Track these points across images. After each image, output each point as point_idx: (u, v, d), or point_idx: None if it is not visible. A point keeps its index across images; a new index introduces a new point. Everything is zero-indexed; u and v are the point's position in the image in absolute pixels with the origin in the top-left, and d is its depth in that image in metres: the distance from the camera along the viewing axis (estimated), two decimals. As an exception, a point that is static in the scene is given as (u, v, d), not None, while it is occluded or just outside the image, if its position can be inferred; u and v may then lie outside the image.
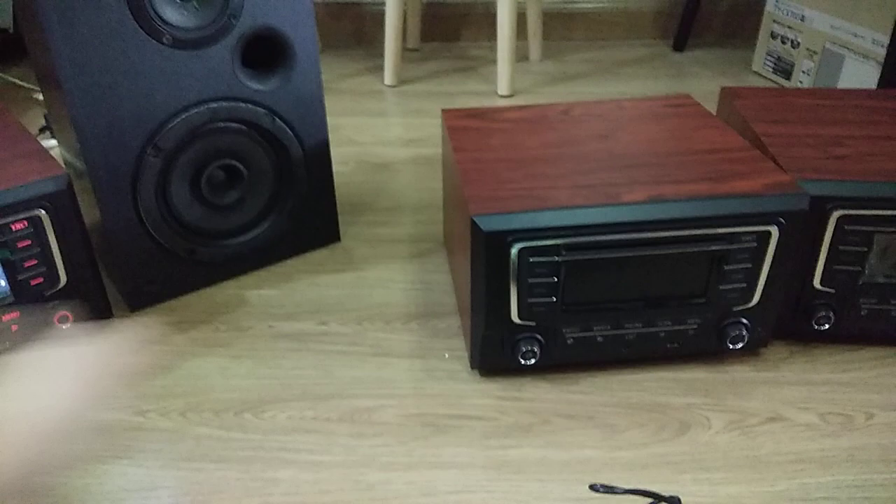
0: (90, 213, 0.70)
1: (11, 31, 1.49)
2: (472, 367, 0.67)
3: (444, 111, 0.79)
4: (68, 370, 0.64)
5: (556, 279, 0.59)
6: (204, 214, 0.75)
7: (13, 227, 0.63)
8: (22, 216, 0.63)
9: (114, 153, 0.67)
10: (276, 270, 0.83)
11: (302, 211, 0.82)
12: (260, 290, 0.80)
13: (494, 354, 0.64)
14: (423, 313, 0.75)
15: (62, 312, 0.67)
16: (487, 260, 0.58)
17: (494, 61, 1.56)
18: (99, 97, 0.64)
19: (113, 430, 0.61)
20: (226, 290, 0.80)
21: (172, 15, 0.66)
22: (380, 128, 1.23)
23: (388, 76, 1.41)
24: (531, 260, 0.58)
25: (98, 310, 0.71)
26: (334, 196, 0.85)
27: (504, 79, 1.34)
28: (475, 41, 1.71)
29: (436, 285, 0.80)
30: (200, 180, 0.73)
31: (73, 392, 0.62)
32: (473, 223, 0.57)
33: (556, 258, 0.58)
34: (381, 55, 1.47)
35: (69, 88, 0.62)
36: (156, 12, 0.64)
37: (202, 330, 0.73)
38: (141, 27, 0.64)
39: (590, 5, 1.69)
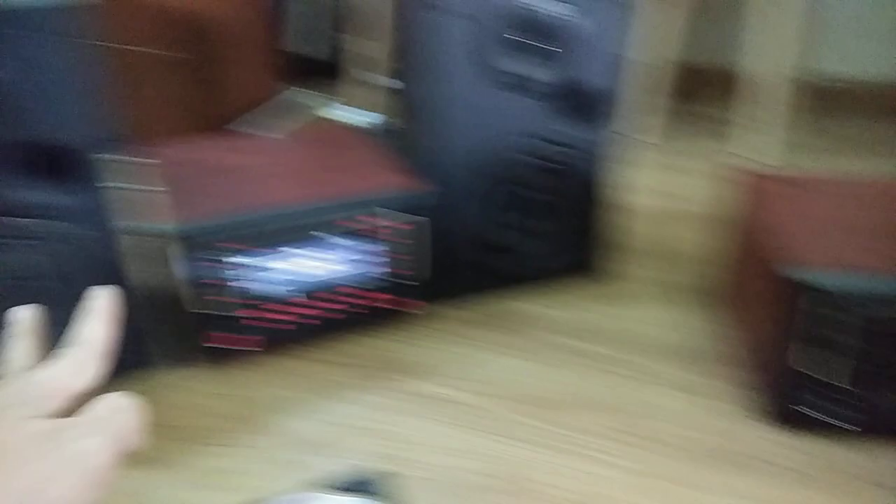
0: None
1: (323, 58, 1.77)
2: (763, 414, 0.71)
3: (747, 171, 0.85)
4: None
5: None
6: (508, 232, 0.88)
7: (379, 224, 0.79)
8: (387, 217, 0.79)
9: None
10: (550, 290, 0.93)
11: (578, 238, 0.92)
12: (538, 306, 0.90)
13: (797, 405, 0.68)
14: (701, 357, 0.81)
15: (397, 299, 0.82)
16: (810, 319, 0.63)
17: (748, 128, 1.58)
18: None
19: (439, 400, 0.74)
20: (508, 302, 0.91)
21: (512, 65, 0.78)
22: (638, 179, 1.30)
23: (647, 131, 1.48)
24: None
25: (413, 301, 0.85)
26: (614, 232, 0.93)
27: (767, 147, 1.36)
28: (736, 106, 1.74)
29: (697, 329, 0.85)
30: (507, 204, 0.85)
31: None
32: (802, 281, 0.62)
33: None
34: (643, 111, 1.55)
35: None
36: (500, 62, 0.76)
37: (490, 330, 0.85)
38: (485, 73, 0.78)
39: (850, 76, 1.64)
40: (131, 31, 1.18)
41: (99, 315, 0.41)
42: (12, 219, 0.64)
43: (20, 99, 0.61)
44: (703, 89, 1.75)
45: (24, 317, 0.42)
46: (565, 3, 0.77)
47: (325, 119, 1.55)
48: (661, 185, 1.28)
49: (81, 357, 0.38)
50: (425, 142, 0.81)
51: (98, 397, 0.35)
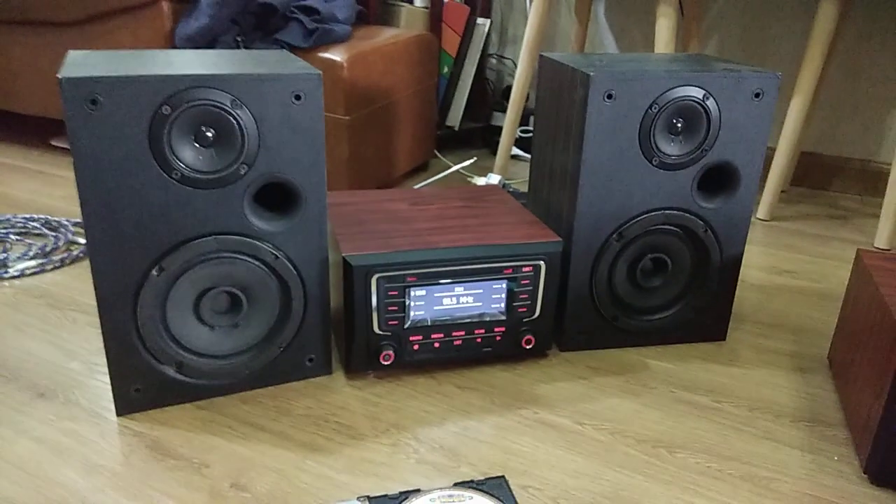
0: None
1: (456, 128, 1.96)
2: (871, 475, 0.75)
3: (861, 251, 0.91)
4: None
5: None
6: (641, 292, 0.97)
7: (522, 270, 0.90)
8: (529, 263, 0.90)
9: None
10: (669, 350, 1.00)
11: (705, 306, 0.99)
12: (658, 362, 0.97)
13: None
14: (810, 418, 0.86)
15: (528, 336, 0.93)
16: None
17: (867, 214, 1.61)
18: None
19: (561, 429, 0.82)
20: (630, 355, 0.99)
21: (665, 146, 0.90)
22: (753, 254, 1.36)
23: (763, 210, 1.54)
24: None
25: (545, 343, 0.95)
26: (732, 301, 1.00)
27: (885, 232, 1.38)
28: (845, 192, 1.76)
29: (819, 398, 0.90)
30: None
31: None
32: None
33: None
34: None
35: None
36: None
37: (615, 378, 0.93)
38: (642, 152, 0.89)
39: None
40: (330, 100, 1.40)
41: None
42: (243, 238, 0.80)
43: (265, 143, 0.78)
44: (823, 177, 1.79)
45: None
46: (711, 97, 0.88)
47: (471, 181, 1.71)
48: (782, 262, 1.33)
49: None
50: (574, 204, 0.93)
51: None
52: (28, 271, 1.18)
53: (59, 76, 0.68)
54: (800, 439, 0.82)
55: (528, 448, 0.79)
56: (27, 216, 1.37)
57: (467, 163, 1.71)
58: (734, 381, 0.94)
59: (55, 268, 1.20)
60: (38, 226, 1.34)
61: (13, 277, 1.16)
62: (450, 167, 1.77)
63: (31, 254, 1.22)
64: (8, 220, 1.35)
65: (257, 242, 0.81)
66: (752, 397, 0.90)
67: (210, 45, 1.47)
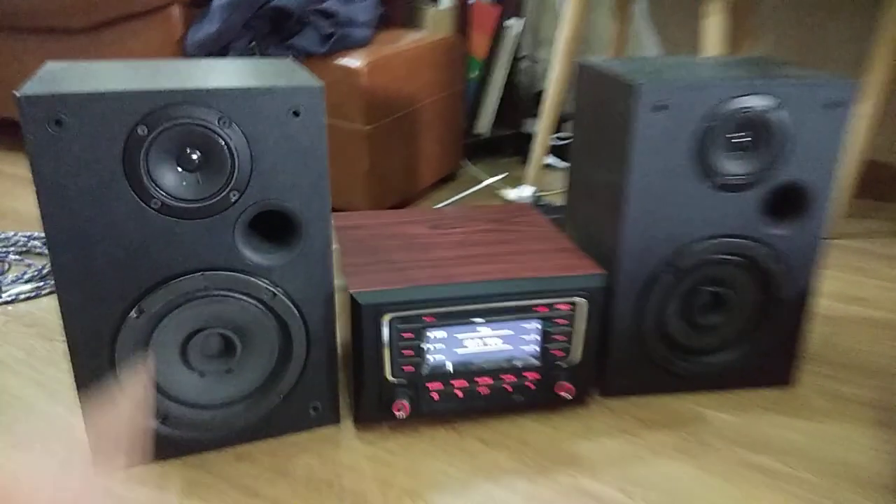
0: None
1: (486, 136, 1.84)
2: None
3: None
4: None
5: None
6: (696, 331, 0.84)
7: (558, 307, 0.78)
8: (566, 300, 0.78)
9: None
10: (729, 397, 0.87)
11: (770, 347, 0.86)
12: (717, 412, 0.84)
13: None
14: (888, 484, 0.72)
15: (566, 384, 0.80)
16: None
17: (944, 231, 1.44)
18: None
19: (605, 499, 0.70)
20: (683, 403, 0.86)
21: (725, 164, 0.77)
22: (834, 281, 1.21)
23: (842, 233, 1.39)
24: None
25: (585, 390, 0.82)
26: (801, 341, 0.87)
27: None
28: (914, 205, 1.60)
29: (912, 462, 0.76)
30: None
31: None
32: None
33: None
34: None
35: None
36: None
37: (667, 434, 0.80)
38: (697, 171, 0.77)
39: None
40: (342, 107, 1.29)
41: None
42: (235, 274, 0.70)
43: (259, 167, 0.67)
44: (890, 188, 1.63)
45: None
46: (781, 108, 0.75)
47: (501, 194, 1.59)
48: (851, 287, 1.18)
49: None
50: (619, 230, 0.80)
51: None
52: (22, 296, 1.10)
53: (17, 93, 0.59)
54: (892, 518, 0.68)
55: (564, 524, 0.67)
56: (29, 234, 1.30)
57: (497, 178, 1.59)
58: (807, 438, 0.80)
59: (51, 292, 1.11)
60: (39, 244, 1.26)
61: (6, 303, 1.08)
62: (479, 178, 1.65)
63: (26, 277, 1.14)
64: (8, 238, 1.28)
65: (252, 279, 0.70)
66: (829, 459, 0.76)
67: (222, 51, 1.37)
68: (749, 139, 0.77)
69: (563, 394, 0.80)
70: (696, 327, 0.85)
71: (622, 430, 0.81)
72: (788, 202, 0.81)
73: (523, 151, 1.82)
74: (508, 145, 1.90)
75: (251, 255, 0.70)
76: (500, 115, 1.88)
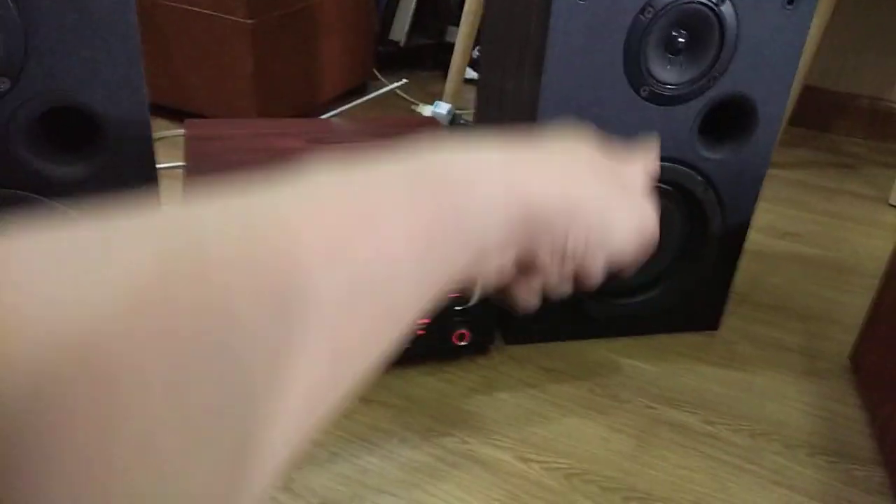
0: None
1: (402, 44, 1.65)
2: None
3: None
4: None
5: None
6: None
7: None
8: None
9: None
10: (648, 343, 0.77)
11: (696, 287, 0.76)
12: (633, 361, 0.74)
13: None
14: (832, 450, 0.64)
15: (461, 330, 0.68)
16: None
17: (877, 163, 1.38)
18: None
19: (498, 470, 0.59)
20: (597, 350, 0.75)
21: (659, 70, 0.63)
22: (773, 215, 1.12)
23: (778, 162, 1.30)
24: None
25: (486, 335, 0.71)
26: (731, 282, 0.77)
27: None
28: (850, 136, 1.53)
29: (843, 419, 0.68)
30: None
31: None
32: None
33: None
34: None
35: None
36: (647, 66, 0.63)
37: (577, 387, 0.70)
38: (626, 76, 0.63)
39: None
40: None
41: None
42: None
43: (54, 58, 0.49)
44: (825, 116, 1.55)
45: None
46: (727, 1, 0.62)
47: (415, 110, 1.42)
48: (783, 221, 1.09)
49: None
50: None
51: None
52: None
53: None
54: (819, 485, 0.60)
55: (448, 500, 0.56)
56: None
57: (398, 84, 1.42)
58: (731, 390, 0.71)
59: None
60: None
61: None
62: (394, 93, 1.48)
63: None
64: None
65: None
66: (754, 416, 0.68)
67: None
68: (689, 40, 0.63)
69: (458, 341, 0.68)
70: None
71: (525, 384, 0.70)
72: (728, 121, 0.69)
73: (446, 64, 1.65)
74: (429, 56, 1.72)
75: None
76: (421, 22, 1.69)
